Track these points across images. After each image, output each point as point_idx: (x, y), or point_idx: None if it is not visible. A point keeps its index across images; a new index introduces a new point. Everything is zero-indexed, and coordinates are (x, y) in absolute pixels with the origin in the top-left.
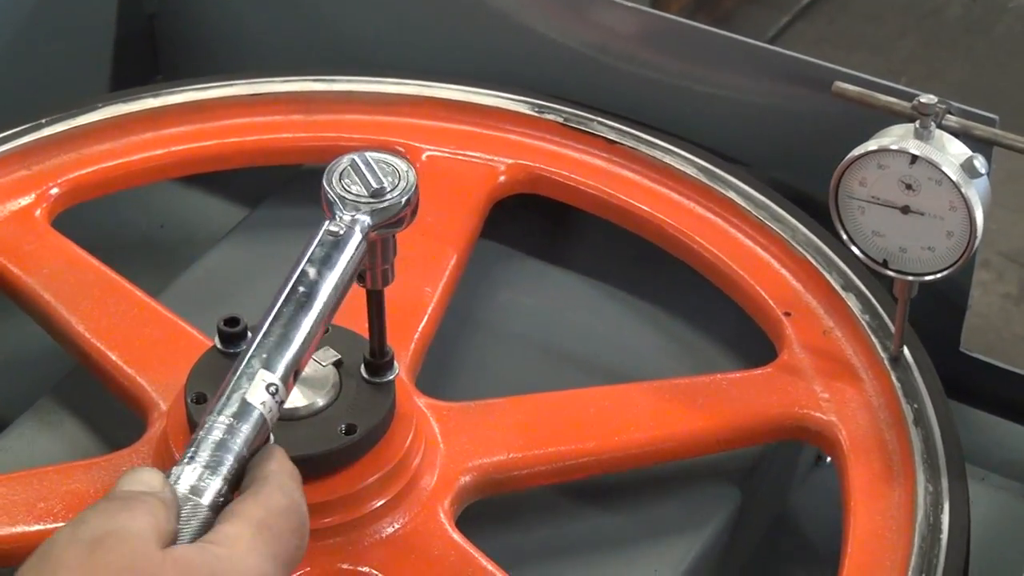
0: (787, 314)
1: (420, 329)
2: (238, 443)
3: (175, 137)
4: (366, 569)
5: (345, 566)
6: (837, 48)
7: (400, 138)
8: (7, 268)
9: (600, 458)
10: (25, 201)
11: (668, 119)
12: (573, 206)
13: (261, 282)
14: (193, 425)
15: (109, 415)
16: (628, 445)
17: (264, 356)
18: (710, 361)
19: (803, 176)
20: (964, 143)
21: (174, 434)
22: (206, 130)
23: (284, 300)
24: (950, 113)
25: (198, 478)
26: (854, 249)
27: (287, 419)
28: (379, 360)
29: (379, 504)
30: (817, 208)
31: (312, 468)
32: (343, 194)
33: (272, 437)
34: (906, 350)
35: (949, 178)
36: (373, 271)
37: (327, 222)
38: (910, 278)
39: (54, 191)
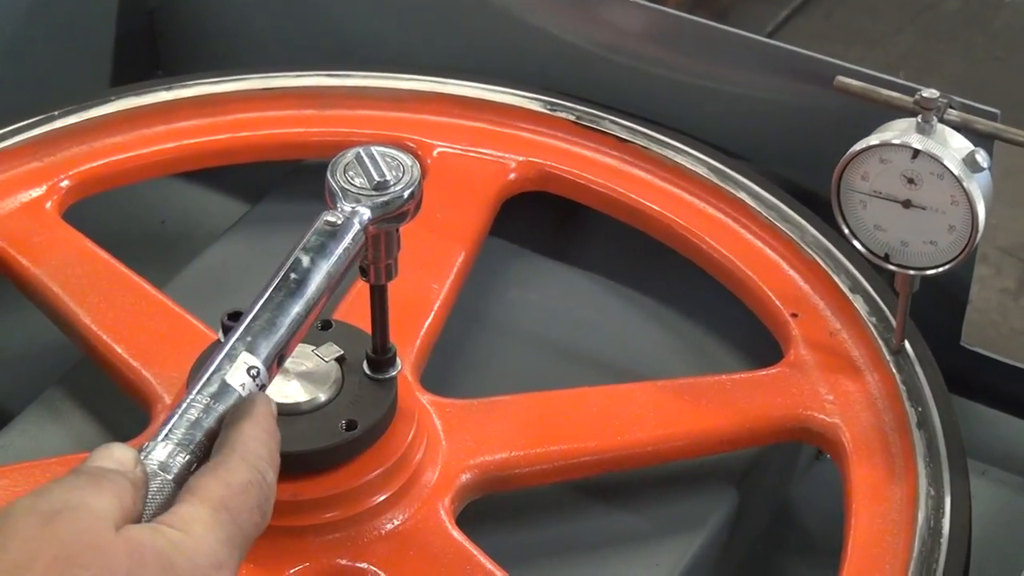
0: (794, 315)
1: (426, 326)
2: (212, 422)
3: (186, 131)
4: (365, 565)
5: (344, 562)
6: (835, 42)
7: (411, 134)
8: (16, 260)
9: (603, 457)
10: (36, 193)
11: (670, 114)
12: (582, 204)
13: (264, 276)
14: None
15: (114, 407)
16: (631, 445)
17: (249, 340)
18: (716, 361)
19: (805, 170)
20: (966, 137)
21: None
22: (217, 124)
23: (275, 286)
24: (952, 108)
25: (168, 455)
26: (856, 243)
27: (289, 414)
28: (381, 356)
29: (379, 500)
30: (819, 203)
31: (313, 463)
32: (345, 186)
33: None
34: (907, 344)
35: (951, 172)
36: (376, 266)
37: (326, 212)
38: (912, 272)
39: (65, 183)
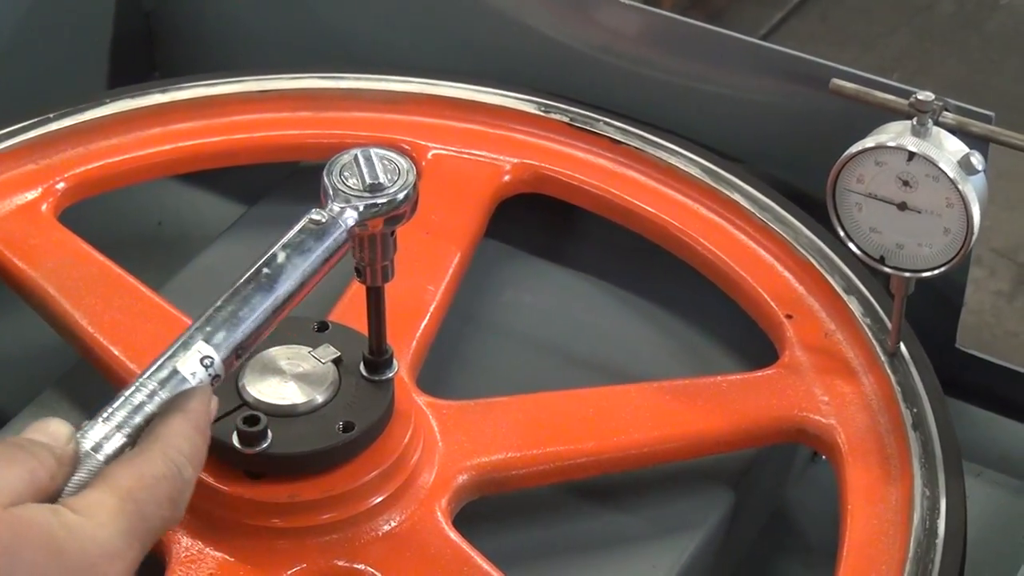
0: (789, 316)
1: (422, 327)
2: (155, 408)
3: (182, 133)
4: (362, 566)
5: (341, 563)
6: (829, 44)
7: (406, 136)
8: (12, 262)
9: (599, 459)
10: (32, 195)
11: (664, 116)
12: (576, 206)
13: None
14: None
15: None
16: (627, 446)
17: (208, 329)
18: (711, 362)
19: (799, 172)
20: (961, 140)
21: None
22: (213, 126)
23: (246, 279)
24: (947, 110)
25: (104, 436)
26: (851, 246)
27: (286, 415)
28: (378, 358)
29: (376, 501)
30: (813, 204)
31: (310, 465)
32: (338, 185)
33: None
34: (903, 347)
35: (946, 174)
36: (373, 267)
37: (313, 211)
38: (907, 275)
39: (60, 186)
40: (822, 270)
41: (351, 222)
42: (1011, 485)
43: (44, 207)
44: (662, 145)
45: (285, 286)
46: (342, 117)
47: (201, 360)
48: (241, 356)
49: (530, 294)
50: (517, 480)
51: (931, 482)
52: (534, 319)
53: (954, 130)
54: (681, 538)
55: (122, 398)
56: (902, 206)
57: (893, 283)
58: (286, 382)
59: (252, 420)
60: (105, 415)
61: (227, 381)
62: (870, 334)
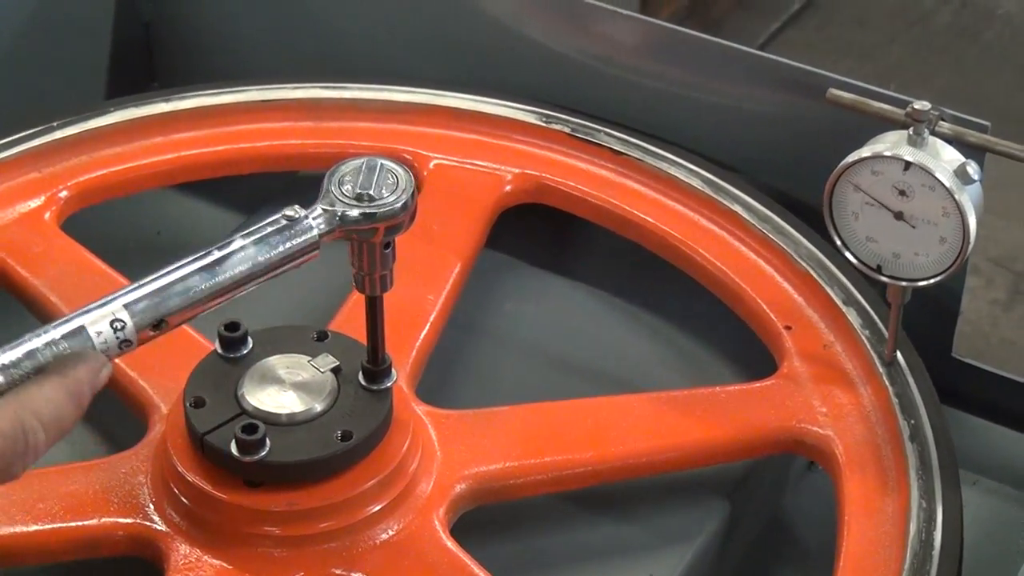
0: (788, 327)
1: (421, 337)
2: (49, 358)
3: (185, 142)
4: (359, 575)
5: (338, 571)
6: (826, 54)
7: (408, 146)
8: (15, 270)
9: (597, 469)
10: (35, 203)
11: (664, 126)
12: (577, 216)
13: (261, 288)
14: (191, 428)
15: (111, 417)
16: (625, 456)
17: (133, 296)
18: (710, 373)
19: (798, 182)
20: (957, 149)
21: (172, 437)
22: (215, 135)
23: (192, 258)
24: (943, 120)
25: None
26: (848, 255)
27: (284, 424)
28: (377, 367)
29: (374, 510)
30: (812, 214)
31: (308, 473)
32: (330, 188)
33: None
34: (900, 356)
35: (942, 184)
36: (371, 277)
37: (289, 207)
38: (903, 284)
39: (63, 194)
40: (821, 282)
41: (323, 226)
42: (1007, 493)
43: (47, 215)
44: (663, 156)
45: (230, 272)
46: (343, 127)
47: (112, 322)
48: (159, 329)
49: (530, 304)
50: (515, 490)
51: (928, 494)
52: (534, 329)
53: (950, 140)
54: (678, 547)
55: (22, 341)
56: (899, 215)
57: (890, 292)
58: (285, 391)
59: (251, 428)
60: None
61: (226, 389)
62: (868, 346)
